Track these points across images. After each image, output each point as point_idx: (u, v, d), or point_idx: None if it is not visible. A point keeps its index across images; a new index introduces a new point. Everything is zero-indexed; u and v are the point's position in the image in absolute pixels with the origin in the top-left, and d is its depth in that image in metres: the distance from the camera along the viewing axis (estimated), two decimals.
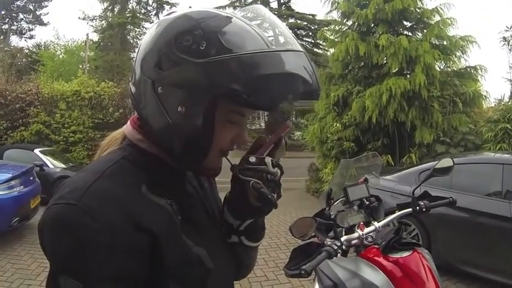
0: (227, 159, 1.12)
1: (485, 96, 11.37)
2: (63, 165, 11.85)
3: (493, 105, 12.55)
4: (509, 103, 11.86)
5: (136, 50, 1.07)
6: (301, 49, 0.98)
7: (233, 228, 1.18)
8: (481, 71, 11.26)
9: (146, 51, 1.00)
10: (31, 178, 8.30)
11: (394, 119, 10.67)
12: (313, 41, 38.42)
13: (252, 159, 1.05)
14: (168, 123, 0.96)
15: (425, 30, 11.52)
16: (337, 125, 11.67)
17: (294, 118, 37.65)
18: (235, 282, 1.31)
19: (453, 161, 2.81)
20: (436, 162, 2.88)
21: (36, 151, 12.00)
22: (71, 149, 16.77)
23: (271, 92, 0.92)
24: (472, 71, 11.32)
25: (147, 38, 1.02)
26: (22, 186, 7.66)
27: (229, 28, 0.93)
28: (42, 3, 51.05)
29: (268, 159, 1.05)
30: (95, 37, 40.21)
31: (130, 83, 1.08)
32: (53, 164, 11.52)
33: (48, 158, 11.81)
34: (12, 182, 7.49)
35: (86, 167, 1.07)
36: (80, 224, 0.86)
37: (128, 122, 1.13)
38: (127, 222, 0.90)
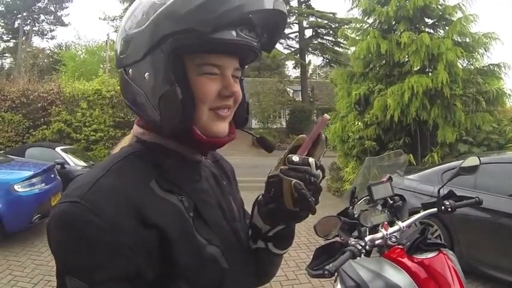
0: (247, 131, 1.17)
1: (509, 95, 11.15)
2: (84, 164, 11.89)
3: None
4: None
5: None
6: None
7: (261, 233, 1.13)
8: (505, 69, 11.08)
9: (115, 51, 1.07)
10: (52, 176, 8.37)
11: (416, 117, 10.57)
12: (334, 40, 38.32)
13: (296, 158, 0.98)
14: (143, 96, 0.98)
15: (447, 27, 11.36)
16: (359, 123, 11.62)
17: (315, 117, 37.62)
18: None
19: (479, 159, 2.74)
20: (461, 161, 2.81)
21: (58, 149, 12.07)
22: (92, 147, 16.93)
23: (207, 17, 0.89)
24: (496, 69, 11.15)
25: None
26: (43, 184, 7.71)
27: None
28: (63, 4, 51.81)
29: (312, 160, 0.98)
30: (115, 37, 40.58)
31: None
32: (74, 162, 11.56)
33: (70, 156, 11.87)
34: (34, 180, 7.53)
35: (96, 164, 1.06)
36: (83, 221, 0.85)
37: (134, 124, 1.13)
38: (133, 218, 0.88)
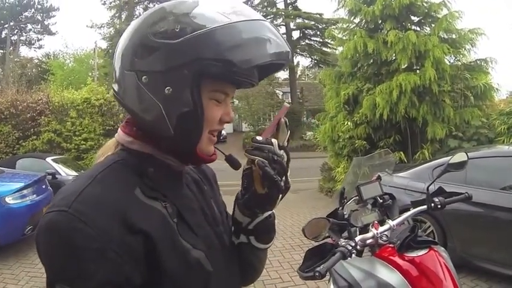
0: (219, 149, 1.15)
1: (496, 89, 11.25)
2: (75, 173, 11.78)
3: (505, 97, 12.44)
4: None
5: (114, 52, 1.09)
6: (264, 19, 1.03)
7: (242, 227, 1.19)
8: (491, 63, 11.18)
9: (124, 49, 1.03)
10: (43, 186, 8.35)
11: (405, 115, 10.61)
12: (321, 40, 38.46)
13: (259, 138, 1.05)
14: (159, 108, 0.98)
15: (433, 25, 11.42)
16: (348, 123, 11.65)
17: (305, 118, 37.68)
18: (247, 286, 1.33)
19: (467, 155, 2.75)
20: (450, 157, 2.82)
21: (48, 159, 12.02)
22: (83, 156, 16.81)
23: (247, 57, 0.94)
24: (483, 64, 11.23)
25: (122, 39, 1.06)
26: (35, 195, 7.70)
27: (198, 10, 0.97)
28: (50, 13, 51.70)
29: (274, 141, 1.05)
30: (103, 44, 40.63)
31: (112, 84, 1.10)
32: (65, 172, 11.50)
33: (60, 166, 11.82)
34: (25, 191, 7.52)
35: (81, 173, 1.08)
36: (71, 230, 0.86)
37: (119, 130, 1.14)
38: (120, 225, 0.90)
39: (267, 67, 1.04)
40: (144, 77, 0.98)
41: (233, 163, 1.15)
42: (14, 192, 7.29)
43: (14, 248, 7.16)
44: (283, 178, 1.04)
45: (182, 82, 0.95)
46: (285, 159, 1.06)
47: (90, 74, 34.74)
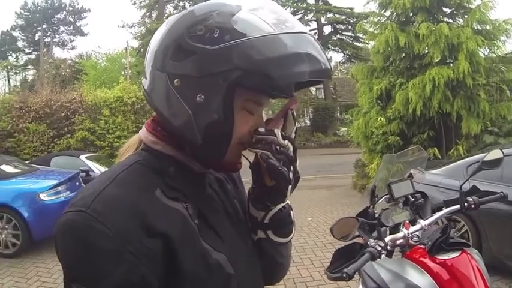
0: (245, 157, 1.11)
1: None
2: None
3: None
4: None
5: (147, 51, 1.06)
6: (308, 31, 1.00)
7: (258, 222, 1.16)
8: None
9: (158, 47, 1.00)
10: (77, 184, 8.52)
11: (439, 110, 10.37)
12: (353, 35, 38.19)
13: (261, 129, 1.02)
14: (188, 115, 0.95)
15: (466, 16, 11.16)
16: (382, 119, 11.45)
17: (338, 114, 37.48)
18: (274, 285, 1.32)
19: (503, 152, 2.66)
20: (485, 154, 2.73)
21: (82, 157, 12.27)
22: (116, 153, 16.96)
23: (286, 72, 0.91)
24: None
25: (157, 36, 1.02)
26: (68, 192, 7.87)
27: (240, 15, 0.94)
28: (82, 15, 52.74)
29: (277, 131, 1.02)
30: (135, 44, 41.19)
31: (142, 81, 1.08)
32: (99, 169, 11.67)
33: (94, 163, 12.05)
34: (59, 188, 7.75)
35: (101, 173, 1.06)
36: (88, 230, 0.85)
37: (143, 127, 1.12)
38: (139, 226, 0.88)
39: (305, 81, 1.01)
40: (176, 80, 0.95)
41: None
42: (48, 189, 7.53)
43: (49, 244, 7.23)
44: (291, 168, 1.02)
45: (216, 91, 0.92)
46: (291, 149, 1.03)
47: (122, 72, 35.24)
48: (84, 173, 10.22)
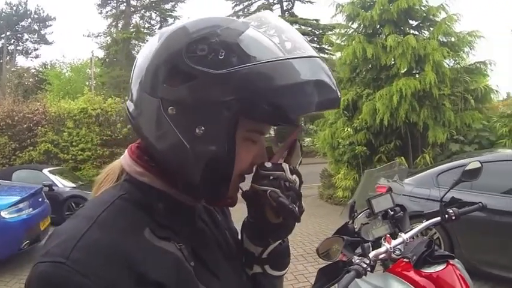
0: (241, 189, 0.99)
1: (496, 91, 11.32)
2: (72, 184, 11.76)
3: (500, 99, 12.53)
4: None
5: (133, 66, 0.93)
6: (317, 54, 0.88)
7: (255, 257, 1.06)
8: (490, 65, 11.25)
9: (148, 66, 0.86)
10: (40, 199, 8.22)
11: (405, 120, 10.61)
12: (318, 46, 38.58)
13: (268, 164, 0.91)
14: (185, 149, 0.82)
15: (431, 28, 11.51)
16: (348, 129, 11.62)
17: (303, 124, 37.74)
18: None
19: (481, 163, 2.68)
20: (457, 162, 2.75)
21: (45, 171, 11.95)
22: (80, 167, 16.74)
23: (299, 103, 0.81)
24: (481, 66, 11.31)
25: (147, 51, 0.88)
26: (31, 209, 7.56)
27: (247, 34, 0.82)
28: (47, 23, 51.84)
29: (285, 165, 0.92)
30: (100, 53, 40.75)
31: (127, 102, 0.95)
32: (62, 184, 11.44)
33: (57, 177, 11.74)
34: (21, 205, 7.40)
35: (77, 211, 0.89)
36: (71, 286, 0.71)
37: (126, 152, 0.98)
38: (128, 276, 0.76)
39: None
40: (171, 107, 0.82)
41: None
42: (9, 206, 7.18)
43: (11, 263, 7.05)
44: (297, 204, 0.91)
45: (218, 122, 0.80)
46: (298, 183, 0.93)
47: (87, 83, 34.75)
48: (47, 188, 9.97)
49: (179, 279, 0.84)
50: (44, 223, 7.86)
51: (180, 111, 0.82)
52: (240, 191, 0.98)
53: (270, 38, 0.85)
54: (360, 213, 2.75)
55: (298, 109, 0.82)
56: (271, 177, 0.90)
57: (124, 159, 0.97)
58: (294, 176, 0.92)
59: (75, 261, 0.73)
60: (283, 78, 0.79)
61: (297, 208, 0.89)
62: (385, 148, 11.25)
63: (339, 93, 0.87)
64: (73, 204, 10.76)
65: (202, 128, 0.81)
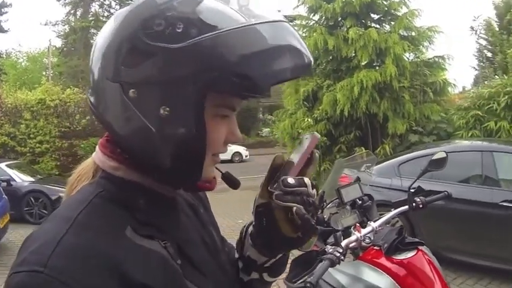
0: (219, 170, 0.97)
1: (453, 85, 11.72)
2: (31, 178, 11.42)
3: (457, 92, 12.93)
4: (471, 90, 12.22)
5: (91, 53, 0.87)
6: (284, 19, 0.82)
7: (257, 265, 1.04)
8: (448, 60, 11.54)
9: (105, 50, 0.81)
10: None
11: (366, 111, 10.78)
12: None
13: (291, 180, 0.85)
14: (151, 133, 0.77)
15: (392, 22, 11.71)
16: (308, 120, 11.69)
17: (261, 115, 37.81)
18: None
19: (446, 154, 2.78)
20: (416, 152, 2.84)
21: (2, 165, 11.53)
22: (39, 160, 16.39)
23: (268, 71, 0.76)
24: (440, 60, 11.57)
25: (104, 34, 0.83)
26: None
27: (205, 4, 0.76)
28: (2, 10, 50.01)
29: (307, 181, 0.87)
30: (58, 43, 39.77)
31: (88, 93, 0.90)
32: (21, 178, 11.09)
33: (15, 171, 11.37)
34: None
35: (53, 213, 0.84)
36: None
37: (97, 148, 0.92)
38: (111, 279, 0.72)
39: None
40: (132, 90, 0.77)
41: (232, 182, 1.00)
42: None
43: None
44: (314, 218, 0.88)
45: (183, 100, 0.75)
46: (315, 196, 0.89)
47: (44, 73, 33.95)
48: (5, 183, 9.70)
49: (166, 279, 0.80)
50: (3, 220, 7.62)
51: (142, 93, 0.77)
52: (220, 174, 0.97)
53: (231, 5, 0.78)
54: (329, 203, 2.80)
55: (268, 78, 0.77)
56: (295, 193, 0.85)
57: (96, 156, 0.91)
58: (314, 190, 0.88)
59: (54, 269, 0.68)
60: (248, 46, 0.74)
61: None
62: (345, 138, 11.44)
63: (310, 58, 0.82)
64: (32, 200, 10.46)
65: (167, 108, 0.76)
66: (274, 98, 32.92)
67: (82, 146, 15.02)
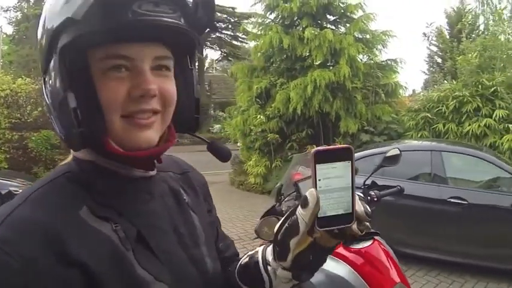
0: (197, 136, 1.01)
1: (405, 87, 12.16)
2: None
3: (407, 95, 13.33)
4: (421, 93, 12.64)
5: None
6: None
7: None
8: (401, 63, 11.90)
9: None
10: None
11: (318, 110, 10.92)
12: (232, 34, 38.52)
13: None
14: (50, 109, 0.83)
15: (348, 24, 11.88)
16: (261, 117, 11.73)
17: (212, 111, 37.63)
18: None
19: (400, 150, 2.90)
20: (367, 151, 2.96)
21: None
22: None
23: (111, 8, 0.75)
24: (392, 63, 11.93)
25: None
26: None
27: None
28: None
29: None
30: (8, 30, 38.38)
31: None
32: None
33: None
34: None
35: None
36: None
37: None
38: (52, 255, 0.72)
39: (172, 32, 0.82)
40: (45, 78, 0.84)
41: (221, 153, 0.98)
42: None
43: None
44: None
45: (56, 66, 0.78)
46: None
47: None
48: None
49: (112, 262, 0.79)
50: None
51: (45, 76, 0.83)
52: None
53: None
54: (286, 196, 2.90)
55: (114, 17, 0.75)
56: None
57: None
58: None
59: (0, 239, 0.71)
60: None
61: None
62: (297, 136, 11.58)
63: None
64: None
65: (49, 76, 0.81)
66: (227, 94, 32.87)
67: (33, 138, 14.51)
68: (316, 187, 0.76)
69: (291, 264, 0.84)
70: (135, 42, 0.80)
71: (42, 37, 0.82)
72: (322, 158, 0.76)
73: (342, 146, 0.79)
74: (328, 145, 0.82)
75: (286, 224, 0.82)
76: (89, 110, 0.78)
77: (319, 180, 0.76)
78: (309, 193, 0.75)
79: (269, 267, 0.91)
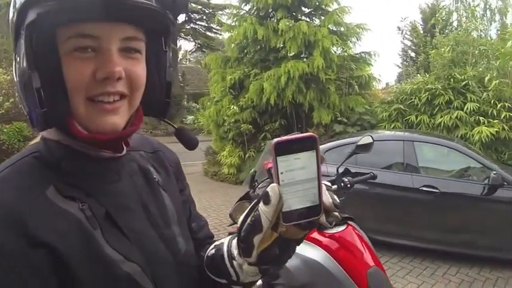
0: (166, 121, 1.02)
1: (378, 80, 12.29)
2: None
3: (381, 87, 13.47)
4: (395, 86, 12.80)
5: None
6: None
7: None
8: (374, 56, 12.04)
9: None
10: None
11: (292, 100, 10.97)
12: (206, 25, 38.30)
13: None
14: (18, 88, 0.82)
15: (323, 17, 11.94)
16: (234, 107, 11.77)
17: (186, 102, 37.42)
18: None
19: (372, 138, 2.93)
20: (339, 141, 2.99)
21: None
22: None
23: None
24: (366, 56, 12.07)
25: None
26: None
27: None
28: None
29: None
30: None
31: None
32: None
33: None
34: None
35: None
36: None
37: None
38: (19, 236, 0.71)
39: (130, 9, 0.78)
40: (17, 59, 0.81)
41: (188, 141, 0.97)
42: None
43: None
44: None
45: (22, 46, 0.76)
46: None
47: None
48: None
49: (78, 241, 0.77)
50: None
51: (17, 57, 0.81)
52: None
53: None
54: (260, 183, 2.88)
55: None
56: None
57: None
58: None
59: None
60: None
61: None
62: (270, 127, 11.61)
63: None
64: None
65: (17, 55, 0.79)
66: (200, 85, 32.70)
67: (5, 130, 14.15)
68: (278, 181, 0.73)
69: (256, 260, 0.82)
70: (103, 22, 0.77)
71: (13, 15, 0.80)
72: (284, 149, 0.73)
73: (304, 134, 0.74)
74: (291, 135, 0.77)
75: (249, 221, 0.79)
76: (53, 91, 0.76)
77: (281, 173, 0.73)
78: (271, 189, 0.73)
79: (234, 262, 0.89)
